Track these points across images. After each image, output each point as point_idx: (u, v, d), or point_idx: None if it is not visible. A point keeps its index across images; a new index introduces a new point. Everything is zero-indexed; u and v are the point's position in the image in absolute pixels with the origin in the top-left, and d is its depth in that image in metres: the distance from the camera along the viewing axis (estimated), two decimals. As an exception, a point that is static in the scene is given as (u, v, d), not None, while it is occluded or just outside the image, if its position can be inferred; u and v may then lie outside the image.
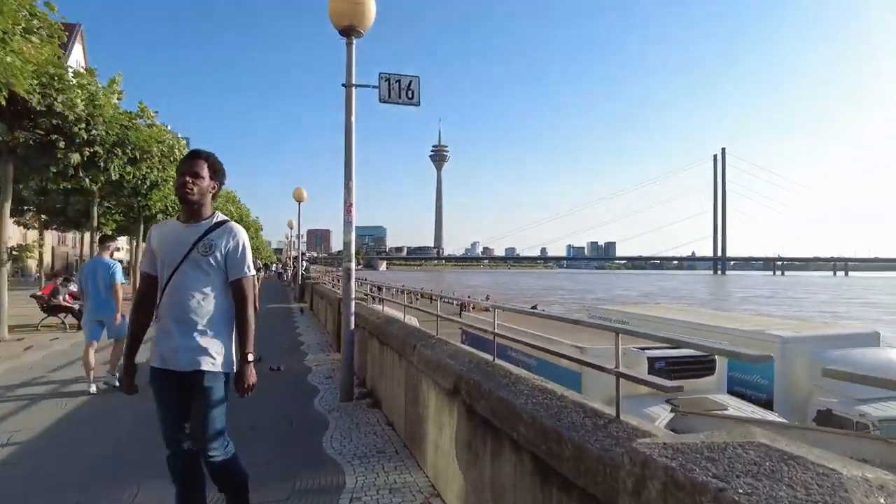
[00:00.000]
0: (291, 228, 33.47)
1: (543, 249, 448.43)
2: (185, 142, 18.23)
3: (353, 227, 6.01)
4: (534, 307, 45.08)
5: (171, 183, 17.02)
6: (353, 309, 6.41)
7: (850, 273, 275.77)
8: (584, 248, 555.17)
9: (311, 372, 7.93)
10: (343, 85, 6.07)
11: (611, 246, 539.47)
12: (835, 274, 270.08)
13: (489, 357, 3.53)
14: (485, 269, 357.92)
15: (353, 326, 6.35)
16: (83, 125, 11.51)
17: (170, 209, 19.43)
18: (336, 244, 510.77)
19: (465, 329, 13.81)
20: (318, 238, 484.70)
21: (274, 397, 6.30)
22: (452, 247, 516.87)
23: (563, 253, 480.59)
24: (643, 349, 7.84)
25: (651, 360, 7.57)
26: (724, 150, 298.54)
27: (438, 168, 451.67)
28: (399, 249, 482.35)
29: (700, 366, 7.96)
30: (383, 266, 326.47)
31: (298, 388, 6.98)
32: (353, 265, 6.32)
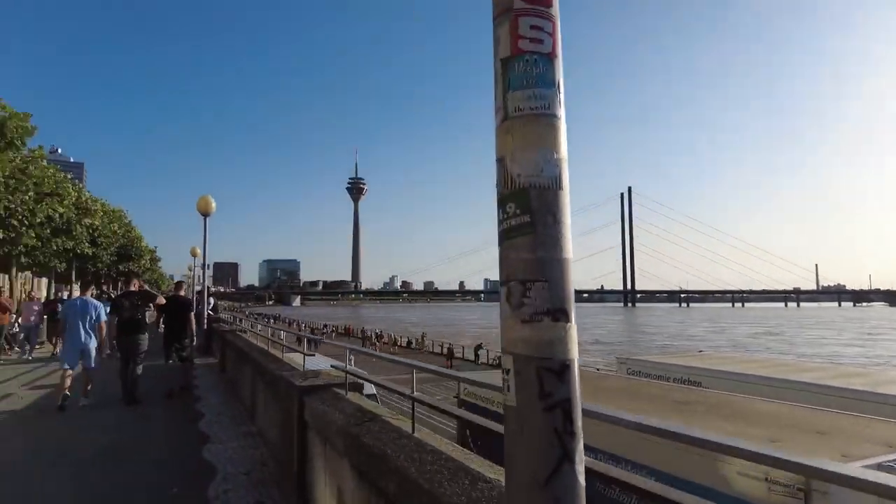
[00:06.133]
0: (196, 256, 27.67)
1: (462, 283, 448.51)
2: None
3: None
4: (479, 346, 40.81)
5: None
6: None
7: (746, 304, 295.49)
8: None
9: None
10: None
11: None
12: (733, 305, 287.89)
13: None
14: (404, 304, 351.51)
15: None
16: None
17: (14, 224, 13.94)
18: (245, 278, 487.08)
19: (466, 399, 9.24)
20: (225, 271, 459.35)
21: None
22: (370, 281, 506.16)
23: (481, 286, 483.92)
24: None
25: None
26: (630, 188, 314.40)
27: (355, 200, 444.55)
28: (314, 284, 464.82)
29: None
30: (297, 301, 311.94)
31: None
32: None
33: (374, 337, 49.91)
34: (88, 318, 8.01)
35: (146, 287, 10.62)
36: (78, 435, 6.16)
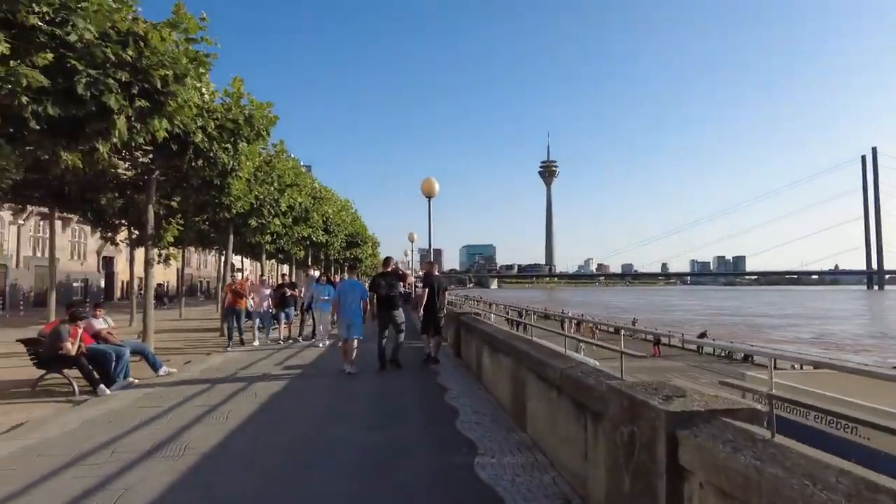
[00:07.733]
0: (413, 241, 28.72)
1: (664, 265, 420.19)
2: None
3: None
4: (702, 335, 36.87)
5: (252, 166, 12.55)
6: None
7: None
8: (709, 262, 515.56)
9: None
10: None
11: (740, 260, 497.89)
12: None
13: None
14: (600, 287, 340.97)
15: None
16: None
17: (263, 212, 15.19)
18: (447, 263, 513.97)
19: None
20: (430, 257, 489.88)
21: None
22: (564, 263, 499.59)
23: (686, 268, 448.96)
24: None
25: None
26: (874, 149, 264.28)
27: (548, 183, 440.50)
28: (510, 267, 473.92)
29: None
30: (494, 284, 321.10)
31: None
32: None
33: (575, 322, 47.70)
34: (355, 295, 9.30)
35: (401, 269, 11.25)
36: (338, 440, 5.48)
